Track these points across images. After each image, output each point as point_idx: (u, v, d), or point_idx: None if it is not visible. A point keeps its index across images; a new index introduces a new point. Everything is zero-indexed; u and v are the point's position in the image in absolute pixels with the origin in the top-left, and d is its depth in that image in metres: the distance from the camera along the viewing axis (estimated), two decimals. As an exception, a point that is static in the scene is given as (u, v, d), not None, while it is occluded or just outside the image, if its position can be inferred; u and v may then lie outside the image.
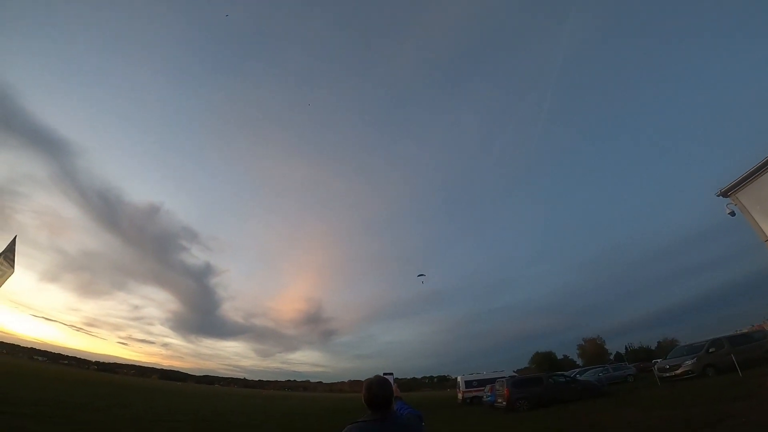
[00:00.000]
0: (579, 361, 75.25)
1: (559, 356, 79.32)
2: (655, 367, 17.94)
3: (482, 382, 25.41)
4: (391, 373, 3.06)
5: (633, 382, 22.48)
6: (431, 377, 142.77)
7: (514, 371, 28.82)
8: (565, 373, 23.33)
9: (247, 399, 34.73)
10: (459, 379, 27.95)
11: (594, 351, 74.49)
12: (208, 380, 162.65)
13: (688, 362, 15.41)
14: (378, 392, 2.40)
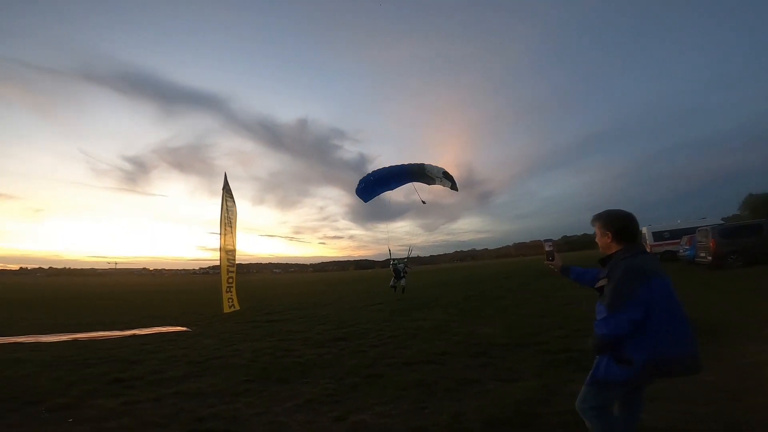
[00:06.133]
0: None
1: (786, 200, 61.83)
2: None
3: (676, 234, 21.90)
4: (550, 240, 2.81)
5: None
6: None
7: (721, 219, 23.98)
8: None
9: (425, 275, 40.21)
10: (644, 230, 23.95)
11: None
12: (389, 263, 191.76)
13: None
14: (636, 219, 2.40)
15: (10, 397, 4.45)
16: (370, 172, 9.98)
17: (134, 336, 9.22)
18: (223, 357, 6.77)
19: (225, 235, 13.37)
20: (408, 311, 11.92)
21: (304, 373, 5.56)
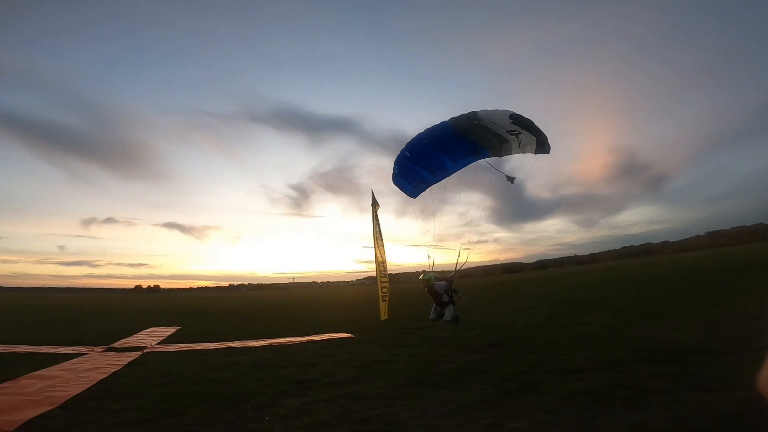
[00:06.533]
0: None
1: None
2: None
3: None
4: None
5: None
6: None
7: None
8: None
9: (585, 275, 35.67)
10: None
11: None
12: (542, 265, 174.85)
13: None
14: None
15: (227, 396, 5.46)
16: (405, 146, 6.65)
17: (311, 341, 10.71)
18: (383, 361, 7.26)
19: (377, 247, 14.53)
20: (568, 315, 10.78)
21: (457, 378, 5.55)
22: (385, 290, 14.21)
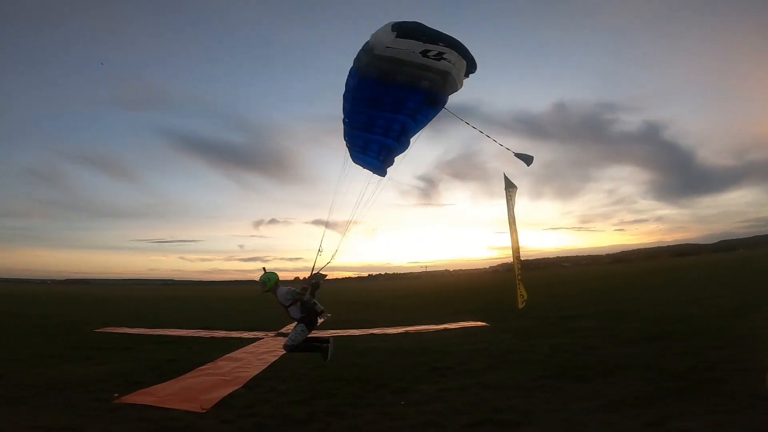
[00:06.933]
0: None
1: None
2: None
3: None
4: None
5: None
6: None
7: None
8: None
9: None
10: None
11: None
12: (727, 246, 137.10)
13: None
14: None
15: (368, 379, 5.88)
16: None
17: (446, 329, 10.84)
18: (520, 351, 6.93)
19: (513, 233, 13.87)
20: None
21: (607, 372, 4.96)
22: (520, 277, 13.46)
